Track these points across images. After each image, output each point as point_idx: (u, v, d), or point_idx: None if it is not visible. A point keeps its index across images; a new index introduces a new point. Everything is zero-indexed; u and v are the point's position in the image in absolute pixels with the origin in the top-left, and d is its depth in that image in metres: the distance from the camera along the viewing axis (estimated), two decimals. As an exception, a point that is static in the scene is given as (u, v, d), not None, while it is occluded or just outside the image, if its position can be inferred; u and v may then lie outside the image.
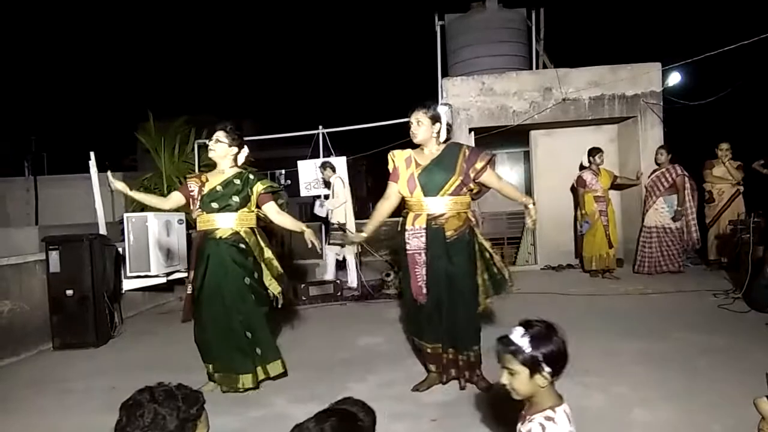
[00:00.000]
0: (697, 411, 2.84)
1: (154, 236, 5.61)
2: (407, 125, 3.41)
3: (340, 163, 8.21)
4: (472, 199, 3.49)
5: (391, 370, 3.80)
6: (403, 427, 2.85)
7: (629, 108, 7.63)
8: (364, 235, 3.63)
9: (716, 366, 3.49)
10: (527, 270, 8.18)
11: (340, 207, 7.07)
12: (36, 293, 4.99)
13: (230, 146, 3.62)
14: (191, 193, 3.64)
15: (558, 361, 1.72)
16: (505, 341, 1.75)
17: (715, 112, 7.92)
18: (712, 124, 9.24)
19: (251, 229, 3.65)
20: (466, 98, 7.77)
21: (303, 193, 8.28)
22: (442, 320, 3.31)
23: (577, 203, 7.30)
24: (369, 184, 18.68)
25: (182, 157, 9.41)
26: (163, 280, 5.97)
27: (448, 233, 3.27)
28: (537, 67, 8.66)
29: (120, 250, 5.65)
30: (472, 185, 3.37)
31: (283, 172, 8.55)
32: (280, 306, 3.74)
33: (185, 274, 5.99)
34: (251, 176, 3.65)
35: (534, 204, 3.47)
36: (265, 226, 3.86)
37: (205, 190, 3.60)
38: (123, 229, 5.71)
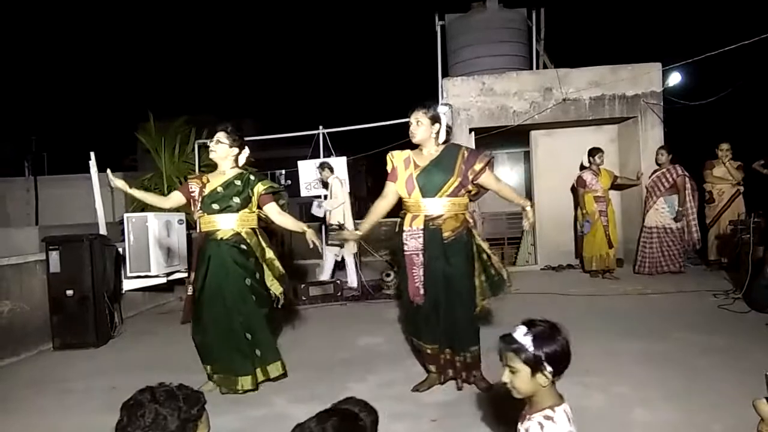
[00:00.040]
0: (698, 411, 2.84)
1: (154, 236, 5.61)
2: (407, 125, 3.41)
3: (340, 163, 8.21)
4: (470, 201, 3.49)
5: (391, 370, 3.80)
6: (403, 427, 2.85)
7: (630, 108, 7.63)
8: (359, 233, 3.63)
9: (716, 366, 3.49)
10: (527, 270, 8.18)
11: (338, 208, 7.07)
12: (36, 293, 4.99)
13: (231, 147, 3.62)
14: (192, 194, 3.64)
15: (560, 361, 1.72)
16: (507, 339, 1.75)
17: (715, 112, 7.92)
18: (712, 125, 9.24)
19: (252, 229, 3.65)
20: (467, 98, 7.77)
21: (303, 193, 8.28)
22: (440, 321, 3.31)
23: (577, 203, 7.30)
24: (369, 184, 18.68)
25: (182, 157, 9.42)
26: (164, 280, 5.97)
27: (446, 234, 3.27)
28: (537, 68, 8.66)
29: (120, 250, 5.65)
30: (470, 186, 3.36)
31: (284, 172, 8.55)
32: (281, 306, 3.74)
33: (185, 275, 6.00)
34: (252, 177, 3.65)
35: (531, 206, 3.47)
36: (265, 226, 3.85)
37: (206, 191, 3.60)
38: (123, 229, 5.71)
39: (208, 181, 3.65)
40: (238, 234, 3.56)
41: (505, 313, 4.11)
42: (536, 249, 8.53)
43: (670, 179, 6.95)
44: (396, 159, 3.45)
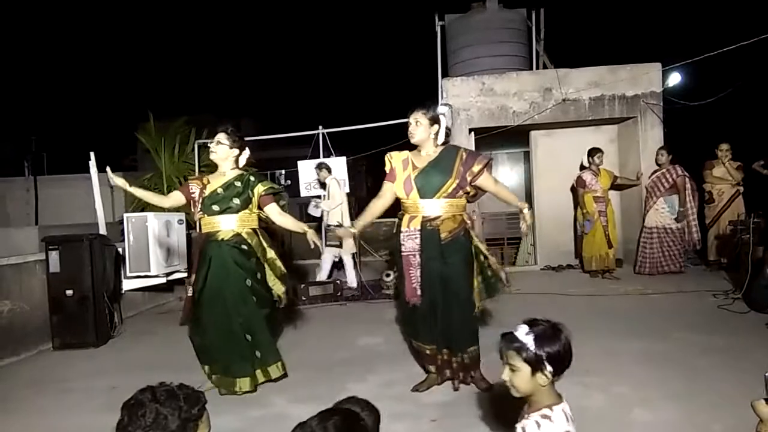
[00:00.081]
0: (697, 411, 2.84)
1: (154, 236, 5.61)
2: (407, 125, 3.41)
3: (339, 163, 8.21)
4: (468, 202, 3.49)
5: (391, 370, 3.80)
6: (403, 427, 2.85)
7: (629, 108, 7.63)
8: (353, 230, 3.63)
9: (716, 366, 3.49)
10: (527, 270, 8.19)
11: (336, 208, 7.06)
12: (36, 293, 4.99)
13: (231, 148, 3.62)
14: (192, 195, 3.64)
15: (561, 362, 1.72)
16: (509, 337, 1.75)
17: (715, 112, 7.92)
18: (712, 125, 9.24)
19: (253, 230, 3.65)
20: (467, 98, 7.77)
21: (303, 193, 8.28)
22: (437, 322, 3.31)
23: (577, 203, 7.31)
24: (369, 184, 18.67)
25: (182, 157, 9.40)
26: (163, 280, 5.97)
27: (443, 235, 3.27)
28: (537, 68, 8.66)
29: (120, 250, 5.65)
30: (468, 188, 3.37)
31: (284, 172, 8.55)
32: (283, 306, 3.75)
33: (185, 274, 6.00)
34: (252, 178, 3.65)
35: (529, 209, 3.47)
36: (266, 227, 3.85)
37: (206, 192, 3.60)
38: (123, 229, 5.71)
39: (209, 182, 3.65)
40: (238, 235, 3.56)
41: (505, 313, 4.11)
42: (536, 249, 8.54)
43: (670, 179, 6.95)
44: (394, 160, 3.45)
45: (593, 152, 7.07)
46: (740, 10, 11.87)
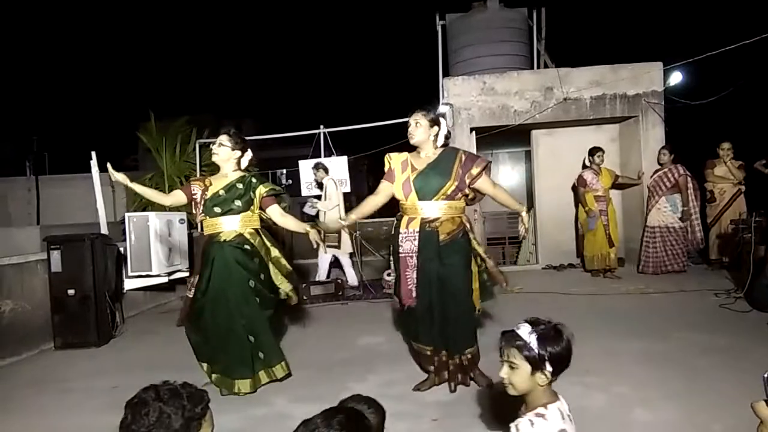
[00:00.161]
0: (698, 411, 2.84)
1: (155, 236, 5.62)
2: (407, 126, 3.41)
3: (340, 162, 8.22)
4: (467, 205, 3.49)
5: (392, 369, 3.80)
6: (404, 427, 2.85)
7: (631, 107, 7.62)
8: (343, 222, 3.63)
9: (717, 366, 3.49)
10: (528, 269, 8.19)
11: (333, 209, 7.07)
12: (37, 293, 5.00)
13: (233, 150, 3.63)
14: (194, 196, 3.65)
15: (562, 362, 1.73)
16: (511, 335, 1.76)
17: (716, 111, 7.91)
18: (713, 124, 9.24)
19: (255, 230, 3.65)
20: (468, 98, 7.77)
21: (304, 192, 8.30)
22: (435, 323, 3.31)
23: (578, 202, 7.30)
24: (370, 183, 18.68)
25: (183, 156, 9.41)
26: (165, 279, 5.97)
27: (442, 237, 3.27)
28: (538, 67, 8.65)
29: (121, 249, 5.66)
30: (467, 191, 3.37)
31: (284, 171, 8.56)
32: (294, 303, 3.78)
33: (186, 274, 6.01)
34: (254, 179, 3.66)
35: (527, 212, 3.47)
36: (267, 227, 3.86)
37: (208, 194, 3.60)
38: (124, 229, 5.71)
39: (211, 183, 3.66)
40: (241, 235, 3.57)
41: (506, 313, 4.12)
42: (537, 248, 8.53)
43: (672, 179, 6.95)
44: (393, 161, 3.46)
45: (594, 151, 7.07)
46: (741, 9, 11.86)
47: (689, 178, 6.94)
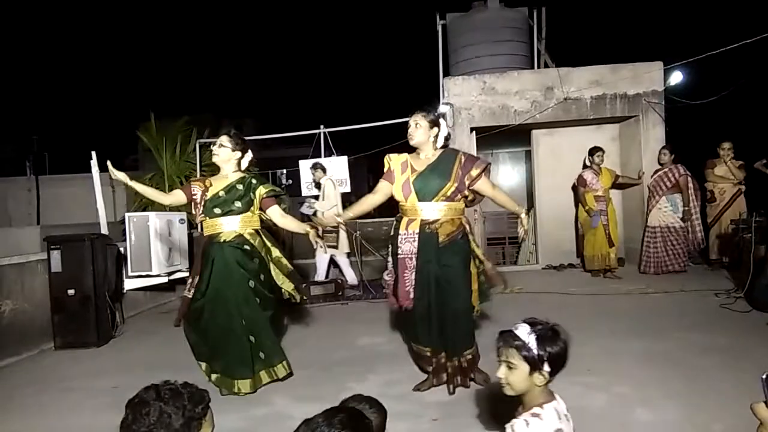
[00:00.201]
0: (698, 411, 2.84)
1: (155, 236, 5.62)
2: (407, 126, 3.41)
3: (340, 162, 8.22)
4: (466, 206, 3.49)
5: (392, 369, 3.80)
6: (404, 427, 2.85)
7: (631, 107, 7.62)
8: (339, 219, 3.64)
9: (717, 366, 3.49)
10: (528, 269, 8.19)
11: (331, 210, 7.07)
12: (38, 293, 5.00)
13: (234, 151, 3.64)
14: (194, 197, 3.65)
15: (559, 363, 1.74)
16: (509, 336, 1.76)
17: (717, 111, 7.91)
18: (714, 124, 9.23)
19: (255, 230, 3.66)
20: (468, 97, 7.77)
21: (304, 192, 8.30)
22: (433, 324, 3.30)
23: (578, 202, 7.30)
24: (370, 183, 18.69)
25: (184, 156, 9.42)
26: (165, 279, 5.97)
27: (441, 238, 3.26)
28: (538, 67, 8.65)
29: (121, 249, 5.66)
30: (466, 192, 3.36)
31: (285, 171, 8.57)
32: (298, 301, 3.79)
33: (186, 274, 6.01)
34: (254, 180, 3.66)
35: (526, 214, 3.47)
36: (267, 228, 3.86)
37: (208, 195, 3.60)
38: (124, 229, 5.72)
39: (211, 184, 3.66)
40: (240, 236, 3.57)
41: (505, 313, 4.11)
42: (537, 248, 8.53)
43: (672, 179, 6.95)
44: (393, 162, 3.46)
45: (594, 151, 7.07)
46: (741, 8, 11.85)
47: (690, 178, 6.94)
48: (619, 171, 7.62)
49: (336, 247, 7.15)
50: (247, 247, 3.56)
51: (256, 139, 8.00)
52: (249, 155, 3.75)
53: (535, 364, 1.71)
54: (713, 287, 5.71)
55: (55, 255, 4.98)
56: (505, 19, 8.89)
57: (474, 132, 7.95)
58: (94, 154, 5.87)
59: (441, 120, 3.43)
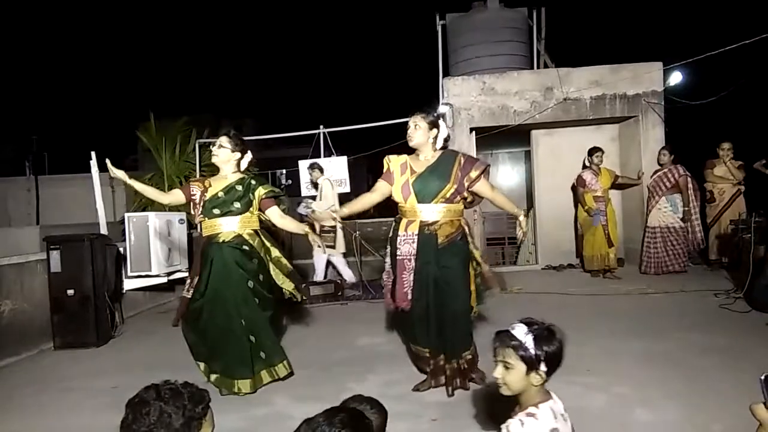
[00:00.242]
0: (698, 411, 2.84)
1: (155, 236, 5.61)
2: (406, 127, 3.41)
3: (340, 162, 8.22)
4: (465, 208, 3.49)
5: (392, 370, 3.80)
6: (404, 427, 2.85)
7: (630, 107, 7.62)
8: (335, 215, 3.65)
9: (717, 366, 3.49)
10: (528, 270, 8.19)
11: (328, 210, 7.07)
12: (37, 293, 5.00)
13: (233, 152, 3.64)
14: (193, 197, 3.65)
15: (555, 362, 1.75)
16: (506, 336, 1.77)
17: (716, 111, 7.91)
18: (713, 124, 9.23)
19: (254, 231, 3.66)
20: (467, 98, 7.77)
21: (304, 192, 8.30)
22: (432, 325, 3.30)
23: (578, 202, 7.30)
24: (370, 183, 18.69)
25: (183, 156, 9.42)
26: (164, 279, 5.97)
27: (440, 240, 3.26)
28: (538, 67, 8.65)
29: (121, 249, 5.66)
30: (465, 194, 3.36)
31: (284, 171, 8.56)
32: (299, 301, 3.80)
33: (186, 274, 6.01)
34: (253, 181, 3.66)
35: (525, 216, 3.47)
36: (267, 228, 3.87)
37: (207, 195, 3.60)
38: (124, 229, 5.72)
39: (210, 185, 3.66)
40: (239, 236, 3.57)
41: (505, 313, 4.10)
42: (537, 248, 8.53)
43: (672, 179, 6.95)
44: (393, 163, 3.46)
45: (593, 152, 7.07)
46: (741, 8, 11.86)
47: (689, 179, 6.95)
48: (619, 171, 7.62)
49: (333, 247, 7.15)
50: (246, 247, 3.56)
51: (256, 139, 8.01)
52: (248, 156, 3.75)
53: (532, 364, 1.72)
54: (713, 287, 5.71)
55: (55, 255, 4.98)
56: (505, 20, 8.90)
57: (473, 132, 7.95)
58: (93, 154, 5.87)
59: (440, 121, 3.43)
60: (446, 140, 3.44)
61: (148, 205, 7.84)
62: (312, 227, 3.66)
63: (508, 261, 9.79)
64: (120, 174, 3.44)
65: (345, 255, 7.47)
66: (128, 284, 5.81)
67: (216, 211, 3.56)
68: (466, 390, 3.31)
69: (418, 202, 3.31)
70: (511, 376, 1.75)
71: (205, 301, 3.52)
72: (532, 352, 1.71)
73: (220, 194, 3.59)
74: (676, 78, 7.44)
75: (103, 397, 3.51)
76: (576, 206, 7.46)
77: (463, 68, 8.79)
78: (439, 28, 8.74)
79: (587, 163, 7.15)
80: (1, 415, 3.43)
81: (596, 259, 7.01)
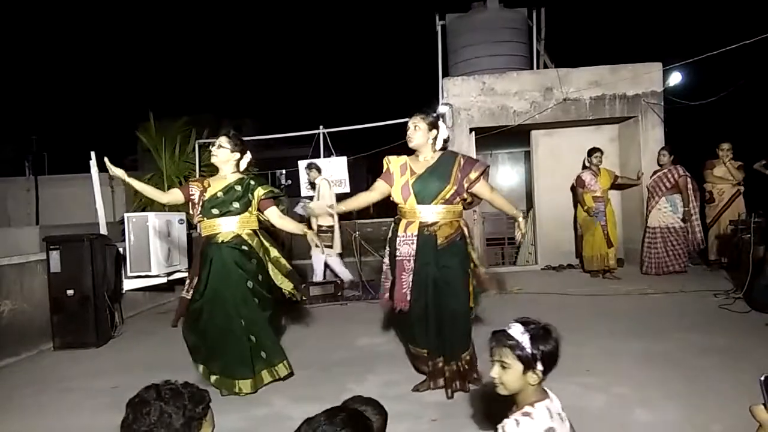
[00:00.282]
0: (698, 411, 2.84)
1: (154, 236, 5.62)
2: (406, 128, 3.41)
3: (340, 163, 8.21)
4: (464, 209, 3.49)
5: (391, 370, 3.80)
6: (403, 427, 2.85)
7: (630, 108, 7.62)
8: (331, 210, 3.64)
9: (717, 366, 3.49)
10: (528, 270, 8.20)
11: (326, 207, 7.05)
12: (37, 293, 5.00)
13: (232, 152, 3.64)
14: (191, 197, 3.65)
15: (552, 361, 1.76)
16: (502, 335, 1.77)
17: (716, 112, 7.92)
18: (713, 124, 9.23)
19: (253, 231, 3.66)
20: (467, 98, 7.77)
21: (303, 193, 8.29)
22: (430, 326, 3.30)
23: (577, 203, 7.31)
24: (369, 183, 18.69)
25: (183, 156, 9.42)
26: (164, 279, 5.97)
27: (440, 240, 3.27)
28: (538, 67, 8.66)
29: (120, 249, 5.66)
30: (465, 195, 3.36)
31: (284, 172, 8.55)
32: (299, 301, 3.81)
33: (185, 274, 6.01)
34: (252, 182, 3.66)
35: (523, 218, 3.48)
36: (266, 228, 3.87)
37: (206, 196, 3.60)
38: (124, 229, 5.72)
39: (209, 185, 3.66)
40: (238, 236, 3.57)
41: (504, 313, 4.09)
42: (537, 249, 8.53)
43: (672, 180, 6.95)
44: (392, 164, 3.46)
45: (592, 152, 7.08)
46: (741, 9, 11.87)
47: (689, 179, 6.95)
48: (619, 172, 7.62)
49: (331, 247, 7.15)
50: (245, 247, 3.56)
51: (255, 139, 8.00)
52: (248, 156, 3.75)
53: (528, 363, 1.73)
54: (712, 288, 5.71)
55: (54, 255, 4.98)
56: (505, 20, 8.90)
57: (473, 132, 7.95)
58: (93, 154, 5.87)
59: (440, 122, 3.43)
60: (446, 141, 3.44)
61: (148, 205, 7.84)
62: (310, 227, 3.66)
63: (508, 261, 9.79)
64: (119, 172, 3.44)
65: (342, 255, 7.45)
66: (128, 284, 5.81)
67: (215, 211, 3.57)
68: (465, 392, 3.31)
69: (418, 203, 3.31)
70: (508, 375, 1.75)
71: (205, 302, 3.52)
72: (529, 351, 1.72)
73: (219, 194, 3.59)
74: (675, 78, 7.44)
75: (102, 398, 3.52)
76: (576, 207, 7.46)
77: (463, 68, 8.79)
78: (439, 29, 8.75)
79: (587, 164, 7.15)
80: (1, 415, 3.43)
81: (596, 260, 7.01)
